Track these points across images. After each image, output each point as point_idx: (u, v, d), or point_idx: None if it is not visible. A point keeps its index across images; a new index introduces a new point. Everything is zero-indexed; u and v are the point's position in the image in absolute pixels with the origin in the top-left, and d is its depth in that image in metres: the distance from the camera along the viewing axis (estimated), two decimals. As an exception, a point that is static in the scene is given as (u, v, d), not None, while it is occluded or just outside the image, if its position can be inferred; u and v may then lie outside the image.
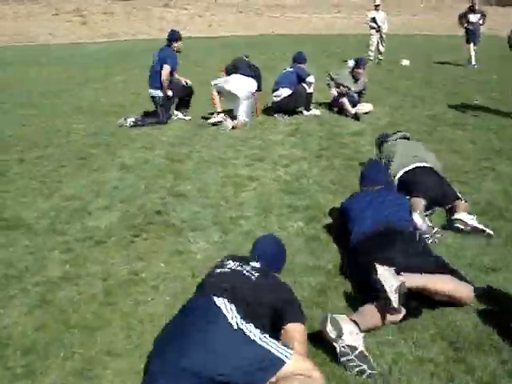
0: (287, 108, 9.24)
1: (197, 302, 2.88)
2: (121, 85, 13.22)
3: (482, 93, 11.63)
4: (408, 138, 6.04)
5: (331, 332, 2.92)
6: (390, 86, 12.71)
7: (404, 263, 3.40)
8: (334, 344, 2.90)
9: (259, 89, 8.95)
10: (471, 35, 16.44)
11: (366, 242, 3.77)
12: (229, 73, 8.77)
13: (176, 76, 9.17)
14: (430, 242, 4.19)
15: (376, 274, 3.15)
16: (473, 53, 16.31)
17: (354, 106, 9.42)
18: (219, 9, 45.53)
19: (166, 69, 8.73)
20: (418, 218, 4.38)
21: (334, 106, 9.64)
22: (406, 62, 16.98)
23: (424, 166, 5.26)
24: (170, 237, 4.63)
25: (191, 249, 4.36)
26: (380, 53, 17.11)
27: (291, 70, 9.44)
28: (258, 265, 3.14)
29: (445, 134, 8.00)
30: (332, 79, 9.77)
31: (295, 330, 2.87)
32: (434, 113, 9.46)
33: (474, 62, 16.21)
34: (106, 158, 7.03)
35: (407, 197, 4.66)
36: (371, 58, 16.97)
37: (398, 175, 5.22)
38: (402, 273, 3.26)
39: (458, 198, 4.92)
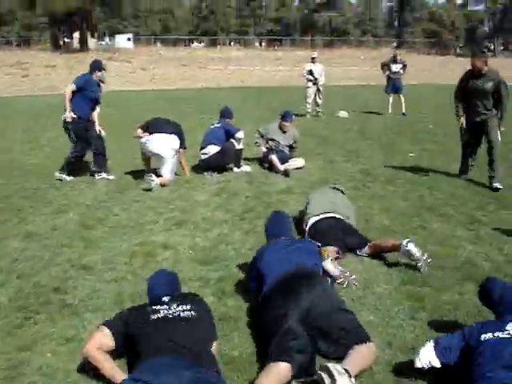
0: (216, 165, 8.86)
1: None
2: (48, 142, 12.63)
3: (417, 144, 11.61)
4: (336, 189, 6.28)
5: None
6: (326, 139, 12.57)
7: (313, 313, 3.45)
8: None
9: (183, 146, 8.55)
10: (391, 85, 17.40)
11: (278, 290, 3.71)
12: (150, 132, 8.33)
13: (95, 117, 8.78)
14: (345, 285, 4.45)
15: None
16: (390, 101, 17.37)
17: (285, 161, 9.14)
18: (162, 62, 45.67)
19: (69, 87, 8.41)
20: (329, 266, 4.46)
21: (265, 163, 9.34)
22: (343, 114, 17.02)
23: (333, 217, 5.50)
24: (63, 320, 4.10)
25: (83, 336, 3.83)
26: (317, 105, 17.08)
27: (218, 125, 9.13)
28: (168, 298, 3.47)
29: (375, 190, 7.76)
30: (262, 135, 9.51)
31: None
32: (366, 167, 9.26)
33: (390, 110, 17.25)
34: (12, 226, 6.46)
35: (318, 243, 4.60)
36: (309, 111, 16.92)
37: (309, 225, 5.50)
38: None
39: (367, 242, 5.21)
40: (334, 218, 5.50)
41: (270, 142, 9.42)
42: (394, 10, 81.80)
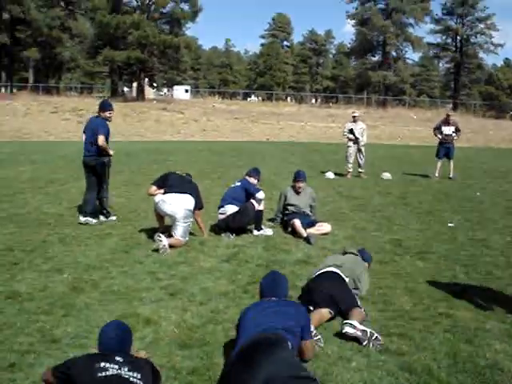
0: (234, 226, 8.27)
1: None
2: (75, 190, 12.34)
3: (459, 213, 10.75)
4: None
5: None
6: (362, 202, 11.84)
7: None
8: None
9: (199, 206, 8.02)
10: (442, 150, 16.57)
11: (238, 357, 3.65)
12: (164, 191, 7.85)
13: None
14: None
15: None
16: (439, 166, 16.49)
17: (310, 226, 8.50)
18: (216, 114, 46.07)
19: (101, 138, 8.86)
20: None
21: (289, 226, 8.69)
22: (387, 176, 16.26)
23: (333, 272, 5.53)
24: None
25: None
26: (359, 165, 16.40)
27: (239, 184, 8.59)
28: (121, 358, 3.33)
29: (403, 266, 6.98)
30: (285, 198, 8.95)
31: None
32: (398, 237, 8.49)
33: (436, 175, 16.38)
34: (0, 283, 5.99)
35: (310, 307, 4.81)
36: (350, 170, 16.28)
37: (309, 279, 5.67)
38: None
39: (356, 307, 5.05)
40: (332, 272, 5.54)
41: (289, 208, 8.85)
42: (450, 71, 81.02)
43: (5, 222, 9.04)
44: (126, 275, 6.39)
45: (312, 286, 5.41)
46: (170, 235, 7.72)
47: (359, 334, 4.53)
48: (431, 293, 5.97)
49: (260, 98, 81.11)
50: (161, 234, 7.46)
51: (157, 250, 7.31)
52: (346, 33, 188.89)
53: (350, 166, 16.27)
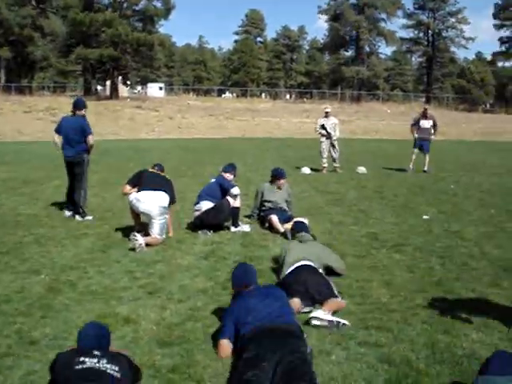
0: (210, 223, 8.25)
1: None
2: (51, 190, 12.22)
3: (434, 205, 10.87)
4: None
5: None
6: (338, 197, 11.91)
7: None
8: None
9: (173, 201, 8.02)
10: (418, 141, 16.70)
11: (252, 342, 3.86)
12: (138, 189, 7.83)
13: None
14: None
15: None
16: (414, 157, 16.65)
17: (287, 221, 8.54)
18: (191, 111, 45.92)
19: (91, 137, 9.22)
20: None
21: (266, 221, 8.71)
22: (362, 170, 16.37)
23: (306, 265, 5.69)
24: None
25: None
26: (334, 160, 16.48)
27: (214, 181, 8.59)
28: (99, 353, 3.43)
29: (379, 259, 7.05)
30: (262, 194, 8.97)
31: None
32: (374, 231, 8.57)
33: (411, 167, 16.52)
34: (-25, 286, 5.91)
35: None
36: (325, 165, 16.33)
37: (283, 276, 5.74)
38: None
39: (333, 296, 5.24)
40: (308, 266, 5.70)
41: (266, 204, 8.88)
42: (423, 65, 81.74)
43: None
44: (104, 275, 6.35)
45: (287, 281, 5.50)
46: (146, 234, 7.69)
47: (326, 323, 4.76)
48: (408, 284, 6.04)
49: (235, 94, 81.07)
50: (136, 233, 7.42)
51: (133, 249, 7.27)
52: (318, 28, 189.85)
53: (324, 161, 16.34)
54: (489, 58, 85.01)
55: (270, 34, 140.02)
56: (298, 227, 6.83)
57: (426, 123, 16.57)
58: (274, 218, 8.41)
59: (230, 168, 8.84)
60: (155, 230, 7.60)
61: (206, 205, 8.26)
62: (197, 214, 8.37)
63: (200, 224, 8.34)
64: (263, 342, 3.83)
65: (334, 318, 4.78)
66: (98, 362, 3.36)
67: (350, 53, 75.91)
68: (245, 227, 8.55)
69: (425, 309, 5.31)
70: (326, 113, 16.66)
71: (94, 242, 7.90)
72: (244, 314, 4.19)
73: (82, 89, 65.51)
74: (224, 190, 8.36)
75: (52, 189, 12.49)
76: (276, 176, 9.10)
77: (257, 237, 8.17)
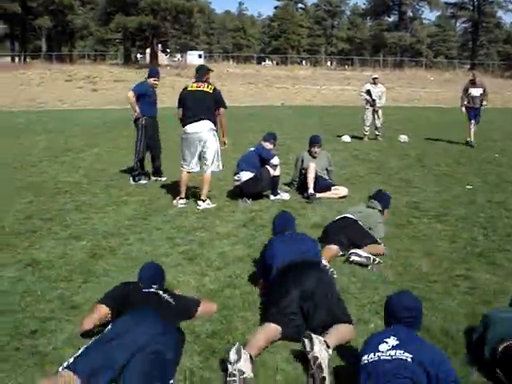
0: (250, 192, 8.25)
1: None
2: (91, 158, 12.37)
3: (478, 175, 10.63)
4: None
5: (233, 355, 3.48)
6: (379, 165, 11.74)
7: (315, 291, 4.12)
8: (229, 365, 3.45)
9: (223, 106, 8.22)
10: (470, 111, 15.34)
11: (285, 272, 4.39)
12: (183, 124, 8.01)
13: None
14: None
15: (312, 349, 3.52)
16: (472, 131, 15.17)
17: (326, 189, 8.50)
18: (229, 79, 45.68)
19: (129, 93, 9.59)
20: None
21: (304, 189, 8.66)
22: (404, 138, 16.04)
23: (348, 217, 6.24)
24: (24, 374, 3.57)
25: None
26: (376, 128, 16.17)
27: (253, 150, 8.54)
28: (156, 286, 4.26)
29: (420, 229, 6.94)
30: (302, 162, 8.90)
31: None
32: (415, 200, 8.44)
33: (472, 140, 15.07)
34: (20, 251, 6.05)
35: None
36: (366, 133, 16.03)
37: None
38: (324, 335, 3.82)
39: (373, 243, 5.85)
40: (350, 218, 6.21)
41: (303, 172, 8.80)
42: (468, 31, 79.37)
43: (23, 191, 9.10)
44: (144, 241, 6.42)
45: (328, 228, 6.23)
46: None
47: (364, 260, 5.43)
48: (449, 255, 5.94)
49: (274, 62, 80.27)
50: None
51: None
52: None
53: (367, 128, 16.05)
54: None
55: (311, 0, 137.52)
56: (377, 196, 6.93)
57: (475, 91, 15.35)
58: (310, 177, 8.44)
59: (271, 137, 8.77)
60: (209, 157, 7.84)
61: (245, 175, 8.24)
62: (237, 183, 8.37)
63: (240, 193, 8.34)
64: (288, 275, 4.31)
65: (371, 255, 5.46)
66: (157, 293, 4.11)
67: (392, 18, 74.35)
68: (284, 195, 8.52)
69: (466, 280, 5.23)
70: (374, 79, 16.24)
71: (135, 208, 7.98)
72: (278, 252, 4.64)
73: (122, 57, 65.72)
74: (263, 159, 8.31)
75: (92, 156, 12.64)
76: (310, 142, 9.00)
77: (296, 205, 8.12)
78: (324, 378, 3.38)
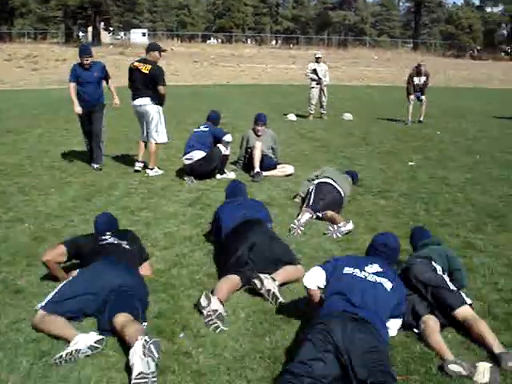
0: (201, 171, 8.24)
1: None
2: (33, 139, 12.04)
3: (419, 152, 10.89)
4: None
5: (203, 301, 4.00)
6: (324, 143, 11.89)
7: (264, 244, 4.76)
8: (203, 310, 3.96)
9: (162, 84, 8.55)
10: (413, 95, 15.60)
11: (232, 233, 4.93)
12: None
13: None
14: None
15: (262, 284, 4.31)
16: (410, 109, 15.53)
17: (272, 168, 8.57)
18: (175, 58, 45.12)
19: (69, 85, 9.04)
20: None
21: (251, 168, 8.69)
22: (348, 116, 16.26)
23: (329, 183, 6.77)
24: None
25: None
26: (322, 106, 16.31)
27: (206, 129, 8.50)
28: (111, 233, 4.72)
29: (364, 205, 7.09)
30: (247, 141, 8.91)
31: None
32: (360, 177, 8.56)
33: (410, 119, 15.41)
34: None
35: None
36: (312, 112, 16.16)
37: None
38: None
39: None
40: (326, 183, 6.79)
41: (249, 151, 8.81)
42: (411, 10, 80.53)
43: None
44: (89, 222, 6.25)
45: (315, 191, 6.69)
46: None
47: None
48: (393, 230, 6.01)
49: (219, 40, 79.65)
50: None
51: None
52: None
53: (312, 107, 16.16)
54: (477, 3, 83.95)
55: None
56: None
57: (418, 80, 15.58)
58: (257, 154, 8.51)
59: (216, 117, 8.77)
60: (151, 128, 8.49)
61: (197, 154, 8.22)
62: (188, 162, 8.30)
63: (190, 172, 8.29)
64: (235, 235, 4.84)
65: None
66: (113, 238, 4.53)
67: (336, -3, 74.56)
68: (230, 174, 8.52)
69: (408, 254, 5.34)
70: (317, 58, 16.26)
71: (79, 190, 7.84)
72: (226, 216, 5.16)
73: (63, 36, 63.94)
74: (216, 138, 8.29)
75: (34, 138, 12.31)
76: (255, 121, 9.03)
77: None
78: (281, 303, 4.20)
